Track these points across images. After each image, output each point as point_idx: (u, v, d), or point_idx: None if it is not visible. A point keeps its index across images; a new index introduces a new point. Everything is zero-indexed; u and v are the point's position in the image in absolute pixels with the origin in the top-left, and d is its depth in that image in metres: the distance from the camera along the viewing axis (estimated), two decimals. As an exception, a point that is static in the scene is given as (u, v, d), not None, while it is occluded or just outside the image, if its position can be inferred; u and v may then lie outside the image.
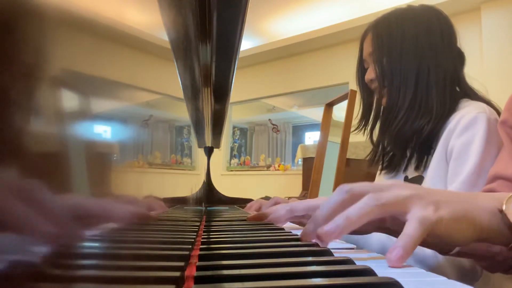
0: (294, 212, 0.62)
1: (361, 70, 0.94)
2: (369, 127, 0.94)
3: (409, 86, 0.82)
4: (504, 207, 0.41)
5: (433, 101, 0.81)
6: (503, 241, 0.42)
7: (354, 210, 0.39)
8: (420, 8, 0.89)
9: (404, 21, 0.86)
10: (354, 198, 0.41)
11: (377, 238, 0.65)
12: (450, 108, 0.80)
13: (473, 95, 0.84)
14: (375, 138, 0.94)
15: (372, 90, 0.91)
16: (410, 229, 0.37)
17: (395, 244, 0.36)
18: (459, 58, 0.87)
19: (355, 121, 0.99)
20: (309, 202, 0.61)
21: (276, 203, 0.89)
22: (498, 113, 0.79)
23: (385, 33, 0.87)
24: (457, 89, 0.84)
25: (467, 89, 0.85)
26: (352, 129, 1.00)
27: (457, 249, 0.49)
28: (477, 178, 0.70)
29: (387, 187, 0.41)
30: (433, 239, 0.39)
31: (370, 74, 0.89)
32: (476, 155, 0.71)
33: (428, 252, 0.64)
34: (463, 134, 0.74)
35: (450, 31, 0.87)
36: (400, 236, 0.37)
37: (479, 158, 0.71)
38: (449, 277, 0.32)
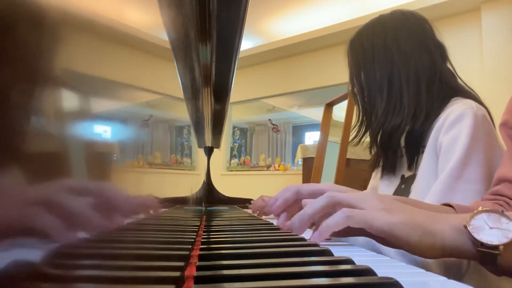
0: (300, 195, 0.64)
1: (353, 83, 0.97)
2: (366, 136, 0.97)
3: (384, 91, 0.86)
4: (467, 224, 0.43)
5: (406, 101, 0.83)
6: (469, 256, 0.44)
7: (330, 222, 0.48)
8: (389, 14, 0.92)
9: (373, 32, 0.90)
10: (334, 205, 0.50)
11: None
12: (432, 106, 0.82)
13: (462, 92, 0.84)
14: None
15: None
16: (335, 215, 0.47)
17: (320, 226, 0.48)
18: (440, 51, 0.87)
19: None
20: (314, 186, 0.64)
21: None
22: (486, 109, 0.80)
23: (358, 48, 0.92)
24: (443, 84, 0.84)
25: (453, 84, 0.85)
26: (350, 138, 1.02)
27: None
28: (461, 172, 0.71)
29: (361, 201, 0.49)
30: (393, 240, 0.45)
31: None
32: (461, 150, 0.72)
33: None
34: (450, 130, 0.76)
35: (421, 27, 0.88)
36: (325, 221, 0.48)
37: (463, 152, 0.72)
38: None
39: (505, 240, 0.41)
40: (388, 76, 0.86)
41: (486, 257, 0.42)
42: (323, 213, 0.51)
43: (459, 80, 0.87)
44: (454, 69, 0.88)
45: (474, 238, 0.42)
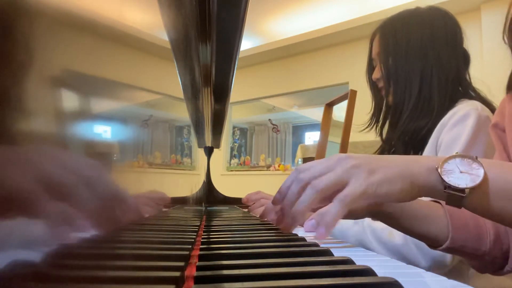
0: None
1: (371, 68, 0.97)
2: (379, 125, 0.97)
3: (414, 86, 0.86)
4: (440, 166, 0.45)
5: (435, 101, 0.84)
6: (439, 197, 0.46)
7: (298, 205, 0.46)
8: (427, 10, 0.92)
9: (410, 23, 0.90)
10: (302, 185, 0.47)
11: (353, 234, 0.72)
12: (447, 107, 0.83)
13: (472, 95, 0.86)
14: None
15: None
16: (331, 207, 0.44)
17: (320, 221, 0.44)
18: (464, 59, 0.89)
19: (356, 121, 1.01)
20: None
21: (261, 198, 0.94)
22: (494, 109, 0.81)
23: (391, 34, 0.91)
24: (460, 89, 0.87)
25: (469, 89, 0.88)
26: (361, 128, 1.02)
27: (446, 244, 0.55)
28: None
29: (329, 168, 0.47)
30: (377, 199, 0.45)
31: (376, 73, 0.94)
32: (459, 149, 0.74)
33: (398, 241, 0.67)
34: (452, 129, 0.77)
35: (455, 32, 0.90)
36: (324, 213, 0.44)
37: (461, 151, 0.73)
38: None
39: (471, 184, 0.43)
40: (420, 71, 0.86)
41: (453, 199, 0.44)
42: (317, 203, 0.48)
43: (472, 85, 0.90)
44: (470, 79, 0.90)
45: (443, 180, 0.44)
